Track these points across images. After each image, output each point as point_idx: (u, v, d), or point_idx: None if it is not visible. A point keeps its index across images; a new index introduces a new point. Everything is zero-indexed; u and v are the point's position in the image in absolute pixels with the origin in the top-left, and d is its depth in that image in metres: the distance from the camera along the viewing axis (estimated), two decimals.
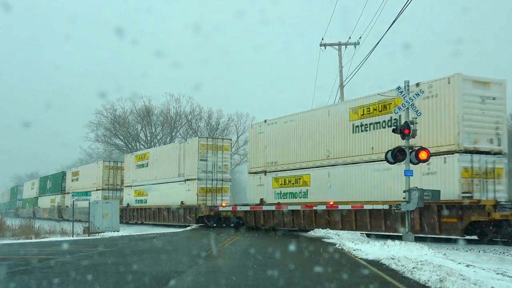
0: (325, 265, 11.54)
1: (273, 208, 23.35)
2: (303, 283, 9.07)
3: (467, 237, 16.62)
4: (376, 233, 19.10)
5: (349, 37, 30.27)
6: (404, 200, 15.40)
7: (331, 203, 20.49)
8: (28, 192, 63.69)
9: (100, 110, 59.32)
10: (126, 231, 27.50)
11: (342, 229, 20.24)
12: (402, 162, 15.57)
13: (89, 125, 59.58)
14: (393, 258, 11.44)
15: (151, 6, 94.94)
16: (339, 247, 14.86)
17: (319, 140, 22.04)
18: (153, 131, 61.26)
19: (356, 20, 64.04)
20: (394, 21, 18.76)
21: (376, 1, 22.18)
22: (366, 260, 11.95)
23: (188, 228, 28.61)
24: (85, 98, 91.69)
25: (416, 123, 15.61)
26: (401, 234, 15.73)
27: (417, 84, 17.42)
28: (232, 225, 27.87)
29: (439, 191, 15.50)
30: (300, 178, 23.00)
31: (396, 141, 17.09)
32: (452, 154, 16.47)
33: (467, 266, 10.24)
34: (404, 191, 15.39)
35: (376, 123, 19.33)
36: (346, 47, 30.54)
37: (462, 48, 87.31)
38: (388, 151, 15.81)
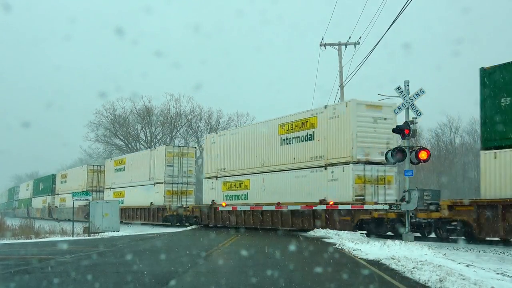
0: (325, 265, 11.54)
1: (273, 208, 24.19)
2: (303, 283, 9.07)
3: (359, 232, 19.54)
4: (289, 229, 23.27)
5: (349, 37, 30.33)
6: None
7: (331, 203, 20.85)
8: (24, 193, 66.58)
9: (100, 110, 59.40)
10: (126, 231, 27.52)
11: (264, 226, 24.77)
12: (318, 171, 20.65)
13: (89, 125, 59.64)
14: (393, 258, 11.45)
15: (151, 6, 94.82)
16: (339, 247, 14.86)
17: (257, 150, 25.55)
18: (153, 131, 61.26)
19: (356, 20, 64.02)
20: (394, 21, 18.80)
21: (376, 1, 22.23)
22: (366, 260, 11.95)
23: (188, 228, 28.82)
24: (85, 98, 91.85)
25: (416, 123, 15.63)
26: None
27: (325, 107, 21.79)
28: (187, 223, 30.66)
29: (439, 191, 15.62)
30: (242, 183, 26.49)
31: (311, 152, 21.94)
32: (348, 164, 19.99)
33: (467, 266, 10.25)
34: (404, 191, 15.45)
35: (297, 137, 22.84)
36: (346, 47, 30.57)
37: (462, 48, 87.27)
38: (388, 151, 15.87)
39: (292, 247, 15.84)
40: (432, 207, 16.94)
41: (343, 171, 20.15)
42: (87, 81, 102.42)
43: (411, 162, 15.40)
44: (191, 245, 18.29)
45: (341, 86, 30.16)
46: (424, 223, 17.43)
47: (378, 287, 8.67)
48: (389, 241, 14.13)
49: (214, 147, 29.05)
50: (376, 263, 11.40)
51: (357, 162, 19.94)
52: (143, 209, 34.28)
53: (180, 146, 36.07)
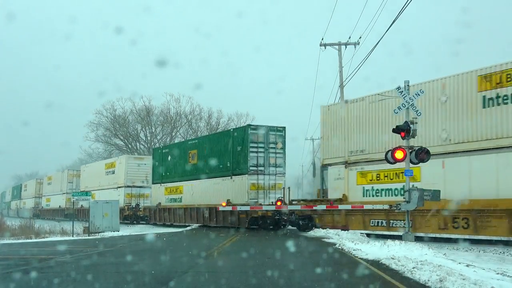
0: (325, 265, 11.55)
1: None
2: (303, 283, 9.08)
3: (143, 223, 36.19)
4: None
5: (349, 37, 30.36)
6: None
7: (331, 203, 21.19)
8: (7, 197, 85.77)
9: (100, 110, 59.46)
10: (126, 231, 27.56)
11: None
12: (115, 190, 40.32)
13: (89, 125, 59.79)
14: (393, 258, 11.45)
15: (151, 6, 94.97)
16: (339, 247, 14.86)
17: (98, 177, 43.77)
18: (153, 131, 61.23)
19: (356, 20, 64.04)
20: (394, 21, 18.82)
21: (376, 1, 22.26)
22: (366, 260, 11.95)
23: (188, 228, 28.90)
24: (85, 98, 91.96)
25: (416, 123, 15.61)
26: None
27: (118, 157, 43.96)
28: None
29: (439, 191, 15.55)
30: (94, 195, 41.83)
31: (114, 180, 40.85)
32: (122, 187, 38.97)
33: (467, 266, 10.25)
34: (404, 191, 15.44)
35: (109, 171, 41.91)
36: (346, 47, 30.54)
37: (462, 48, 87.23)
38: (388, 151, 15.87)
39: (292, 247, 15.84)
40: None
41: (122, 191, 38.70)
42: (87, 81, 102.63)
43: (411, 162, 15.39)
44: (191, 245, 18.29)
45: (341, 86, 30.16)
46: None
47: (378, 287, 8.67)
48: (389, 241, 14.13)
49: (84, 173, 48.43)
50: (376, 263, 11.40)
51: (127, 186, 38.51)
52: (58, 210, 54.02)
53: (77, 170, 52.52)
